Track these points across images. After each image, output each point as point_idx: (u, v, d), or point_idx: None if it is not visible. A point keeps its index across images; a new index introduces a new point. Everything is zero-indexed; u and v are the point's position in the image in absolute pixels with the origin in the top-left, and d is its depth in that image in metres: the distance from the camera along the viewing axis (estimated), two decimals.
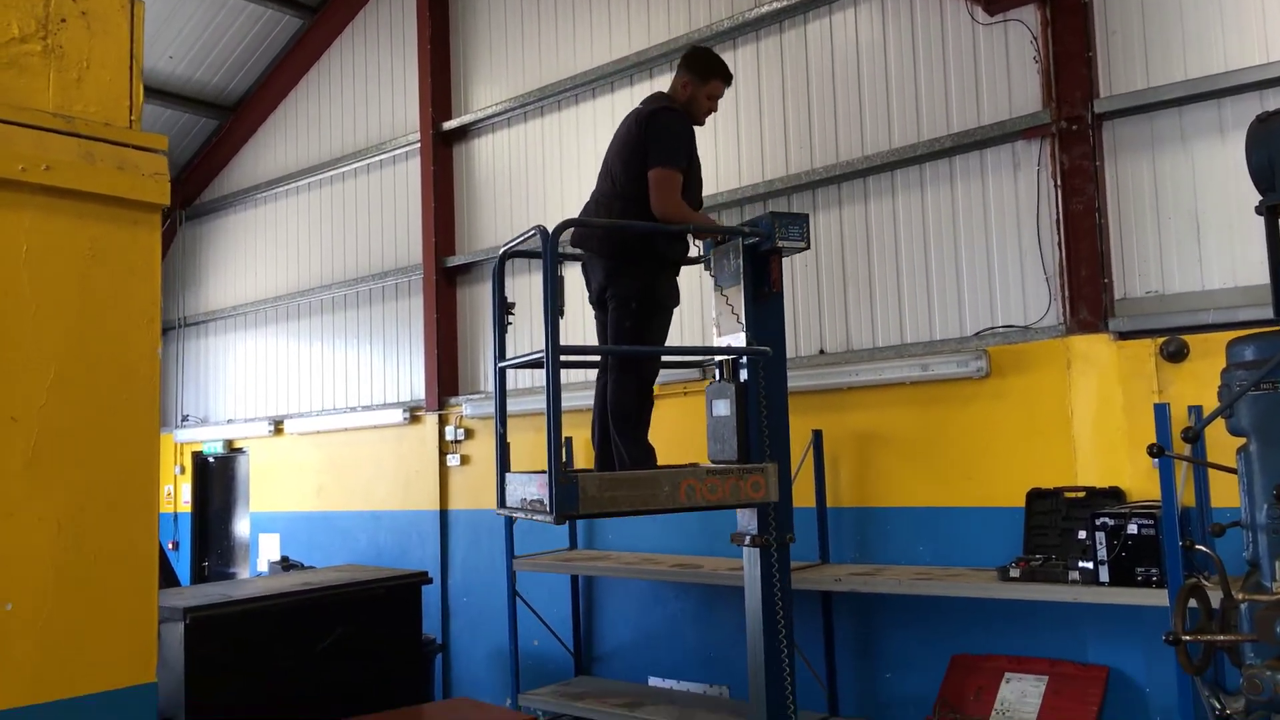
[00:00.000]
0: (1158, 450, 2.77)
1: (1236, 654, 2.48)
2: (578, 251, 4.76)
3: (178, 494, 10.77)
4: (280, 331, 10.05)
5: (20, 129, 1.69)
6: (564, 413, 3.96)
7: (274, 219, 10.21)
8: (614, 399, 4.47)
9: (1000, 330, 5.61)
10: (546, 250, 3.92)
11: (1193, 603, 2.65)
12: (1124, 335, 5.18)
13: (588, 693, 6.65)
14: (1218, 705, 3.85)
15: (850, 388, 6.03)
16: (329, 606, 5.30)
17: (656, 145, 4.40)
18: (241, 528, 10.35)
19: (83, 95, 1.80)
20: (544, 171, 7.91)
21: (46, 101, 1.76)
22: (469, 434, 8.13)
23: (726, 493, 4.05)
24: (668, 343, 4.81)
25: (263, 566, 9.53)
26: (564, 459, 4.02)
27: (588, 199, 4.85)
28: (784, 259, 4.55)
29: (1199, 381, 4.84)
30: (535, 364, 4.05)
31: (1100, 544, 4.59)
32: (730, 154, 6.74)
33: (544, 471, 3.84)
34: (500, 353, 4.44)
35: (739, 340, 4.36)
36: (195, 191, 11.02)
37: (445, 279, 8.45)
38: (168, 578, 7.36)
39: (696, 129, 4.71)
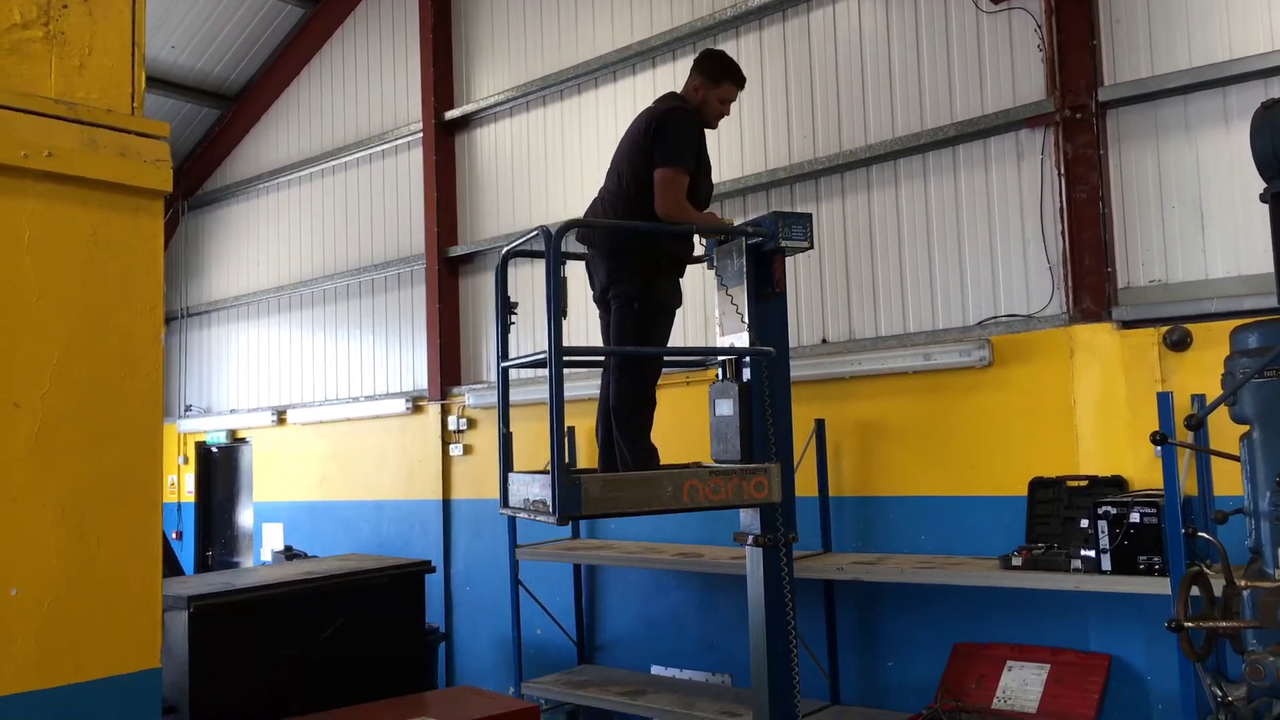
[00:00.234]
0: (1160, 438, 2.77)
1: (1238, 641, 2.48)
2: (581, 250, 4.75)
3: (181, 484, 10.80)
4: (283, 321, 10.06)
5: (22, 115, 1.69)
6: (566, 401, 3.96)
7: (276, 209, 10.21)
8: (616, 400, 4.48)
9: (1003, 319, 5.60)
10: (549, 251, 3.91)
11: (1195, 590, 2.65)
12: (1127, 324, 5.17)
13: (590, 681, 6.67)
14: (1219, 693, 3.86)
15: (853, 377, 6.02)
16: (332, 595, 5.31)
17: (663, 145, 4.39)
18: (245, 517, 10.38)
19: (85, 82, 1.79)
20: (546, 161, 7.90)
21: (49, 88, 1.75)
22: (471, 424, 8.14)
23: (729, 493, 4.06)
24: (670, 343, 4.80)
25: (266, 556, 9.56)
26: (566, 454, 4.02)
27: (595, 196, 4.84)
28: (787, 257, 4.55)
29: (1202, 371, 4.83)
30: (538, 364, 4.05)
31: (1103, 532, 4.59)
32: (733, 143, 6.73)
33: (547, 472, 3.85)
34: (503, 352, 4.44)
35: (742, 340, 4.36)
36: (198, 182, 11.02)
37: (448, 269, 8.45)
38: (171, 567, 7.39)
39: (709, 131, 4.69)
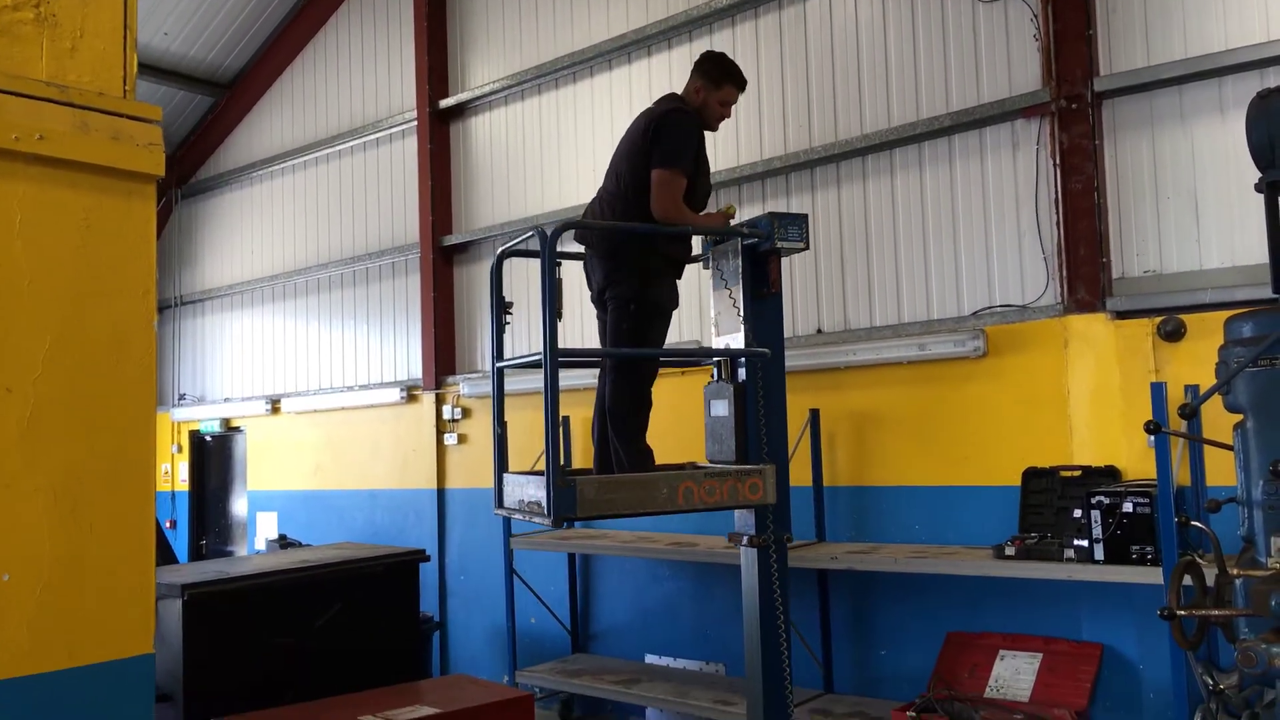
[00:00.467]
0: (1155, 427, 2.77)
1: (1230, 629, 2.49)
2: (577, 250, 4.75)
3: (175, 472, 10.78)
4: (277, 310, 10.04)
5: (13, 98, 1.68)
6: (561, 391, 3.96)
7: (270, 197, 10.17)
8: (612, 401, 4.48)
9: (998, 310, 5.60)
10: (544, 253, 3.90)
11: (1187, 579, 2.66)
12: (1121, 315, 5.18)
13: (585, 670, 6.68)
14: (1210, 681, 3.88)
15: (847, 367, 6.03)
16: (327, 584, 5.31)
17: (661, 146, 4.38)
18: (239, 506, 10.37)
19: (76, 64, 1.78)
20: (541, 150, 7.88)
21: (40, 70, 1.74)
22: (466, 413, 8.14)
23: (724, 495, 4.06)
24: (666, 344, 4.80)
25: (260, 545, 9.55)
26: (561, 446, 4.02)
27: (593, 195, 4.83)
28: (783, 258, 4.55)
29: (1196, 361, 4.84)
30: (533, 365, 4.04)
31: (1095, 522, 4.60)
32: (729, 133, 6.71)
33: (542, 473, 3.86)
34: (498, 353, 4.43)
35: (738, 340, 4.36)
36: (191, 169, 10.98)
37: (442, 258, 8.43)
38: (165, 555, 7.38)
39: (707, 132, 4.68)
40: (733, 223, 4.68)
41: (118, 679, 1.79)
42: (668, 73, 7.07)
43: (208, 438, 10.73)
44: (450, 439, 8.19)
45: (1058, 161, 5.39)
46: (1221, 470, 4.63)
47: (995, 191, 5.68)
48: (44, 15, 1.75)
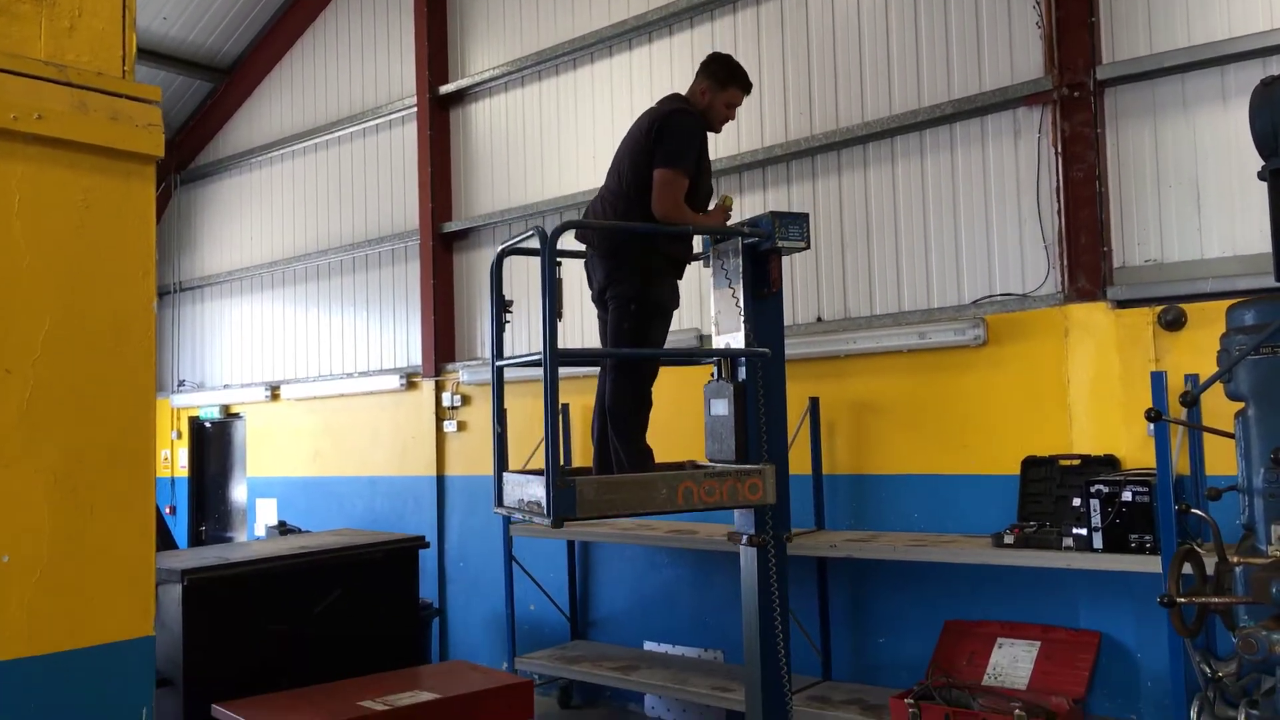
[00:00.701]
0: (1155, 415, 2.77)
1: (1230, 617, 2.50)
2: (579, 248, 4.74)
3: (174, 459, 10.79)
4: (277, 297, 10.02)
5: (12, 77, 1.67)
6: (561, 378, 3.96)
7: (269, 183, 10.15)
8: (612, 400, 4.48)
9: (998, 298, 5.59)
10: (545, 253, 3.90)
11: (1187, 568, 2.66)
12: (1122, 304, 5.17)
13: (584, 656, 6.70)
14: (1208, 670, 3.89)
15: (848, 355, 6.02)
16: (326, 570, 5.31)
17: (664, 146, 4.37)
18: (238, 493, 10.38)
19: (75, 44, 1.77)
20: (542, 137, 7.85)
21: (38, 50, 1.73)
22: (466, 400, 8.13)
23: (724, 495, 4.07)
24: (667, 344, 4.80)
25: (260, 531, 9.56)
26: (560, 441, 4.02)
27: (595, 195, 4.81)
28: (783, 257, 4.55)
29: (1196, 350, 4.84)
30: (533, 364, 4.04)
31: (1095, 511, 4.61)
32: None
33: (541, 472, 3.86)
34: (498, 351, 4.43)
35: (738, 339, 4.35)
36: (190, 155, 10.94)
37: (442, 245, 8.41)
38: (165, 541, 7.38)
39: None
40: (731, 213, 4.68)
41: (118, 661, 1.79)
42: (669, 59, 7.05)
43: (207, 424, 10.73)
44: (450, 426, 8.19)
45: (1059, 150, 5.38)
46: (1220, 460, 4.64)
47: (996, 180, 5.66)
48: None
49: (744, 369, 4.32)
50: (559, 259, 4.08)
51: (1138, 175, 5.23)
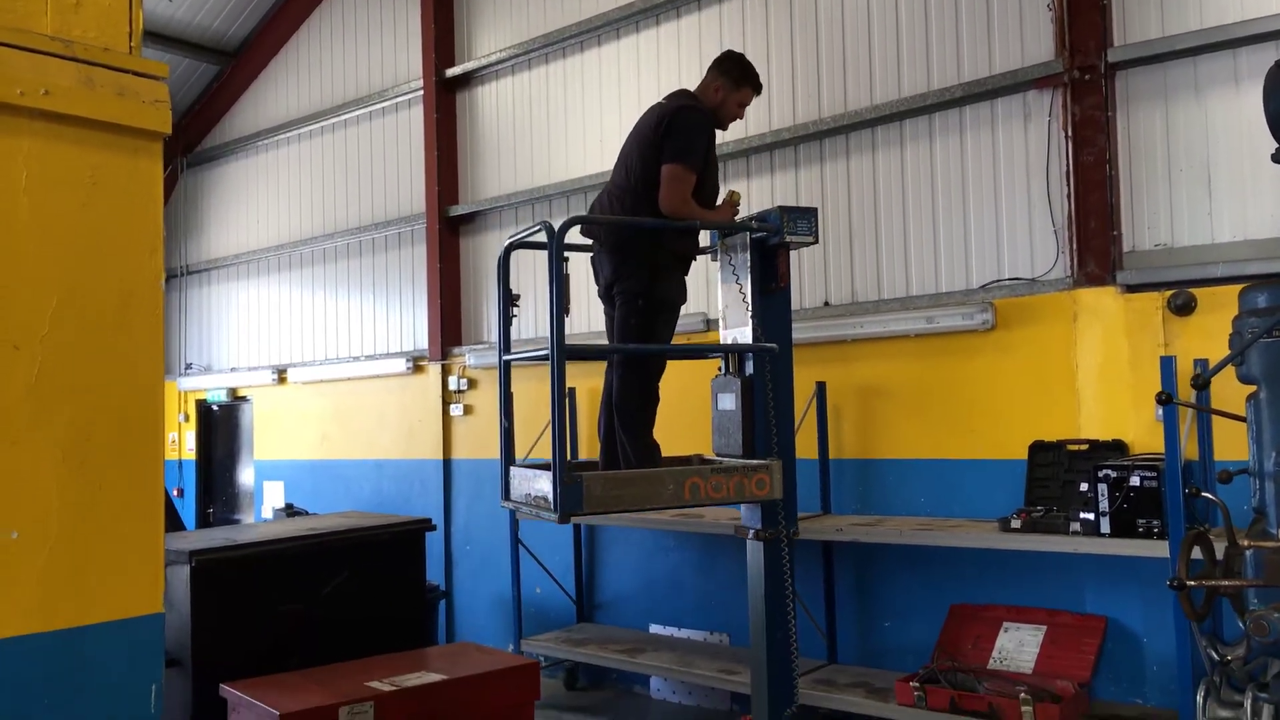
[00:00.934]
0: (1166, 398, 2.75)
1: (1240, 600, 2.49)
2: (586, 243, 4.72)
3: (182, 441, 10.82)
4: (283, 280, 10.02)
5: (18, 52, 1.66)
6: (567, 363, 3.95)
7: (276, 166, 10.13)
8: (619, 396, 4.48)
9: (1007, 283, 5.57)
10: (552, 247, 3.88)
11: (1196, 553, 2.65)
12: (1131, 288, 5.14)
13: (589, 639, 6.72)
14: (1215, 654, 3.88)
15: (855, 339, 6.01)
16: (334, 551, 5.33)
17: (674, 141, 4.36)
18: (246, 476, 10.41)
19: (81, 19, 1.76)
20: (549, 120, 7.82)
21: (44, 25, 1.72)
22: (472, 384, 8.13)
23: (731, 491, 4.07)
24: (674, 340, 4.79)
25: (267, 514, 9.60)
26: (567, 432, 4.01)
27: (603, 189, 4.80)
28: (791, 251, 4.53)
29: (1206, 335, 4.81)
30: (540, 359, 4.03)
31: (1103, 495, 4.59)
32: None
33: (549, 467, 3.86)
34: (505, 345, 4.42)
35: (745, 334, 4.34)
36: (196, 138, 10.93)
37: (448, 228, 8.40)
38: (173, 523, 7.41)
39: None
40: (738, 209, 4.67)
41: (127, 637, 1.79)
42: (676, 43, 7.01)
43: (214, 407, 10.75)
44: (456, 410, 8.20)
45: (1069, 133, 5.34)
46: (1228, 445, 4.62)
47: (1006, 163, 5.63)
48: None
49: (751, 364, 4.31)
50: (565, 254, 4.06)
51: (1148, 159, 5.20)
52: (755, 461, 4.19)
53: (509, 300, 4.48)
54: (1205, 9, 5.04)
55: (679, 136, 4.37)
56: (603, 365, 4.77)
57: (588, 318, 6.86)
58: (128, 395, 1.81)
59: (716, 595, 6.54)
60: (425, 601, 6.22)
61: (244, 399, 10.31)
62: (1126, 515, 4.55)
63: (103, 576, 1.78)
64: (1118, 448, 5.07)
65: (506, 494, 4.34)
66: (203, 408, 10.80)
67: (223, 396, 10.45)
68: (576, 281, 4.30)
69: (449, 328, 8.33)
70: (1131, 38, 5.22)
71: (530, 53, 7.85)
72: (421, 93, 8.53)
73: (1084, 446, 5.13)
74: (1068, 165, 5.35)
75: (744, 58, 4.78)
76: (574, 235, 4.69)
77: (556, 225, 3.99)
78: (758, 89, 4.78)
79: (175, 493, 10.62)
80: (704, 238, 4.74)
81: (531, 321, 7.62)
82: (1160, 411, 4.42)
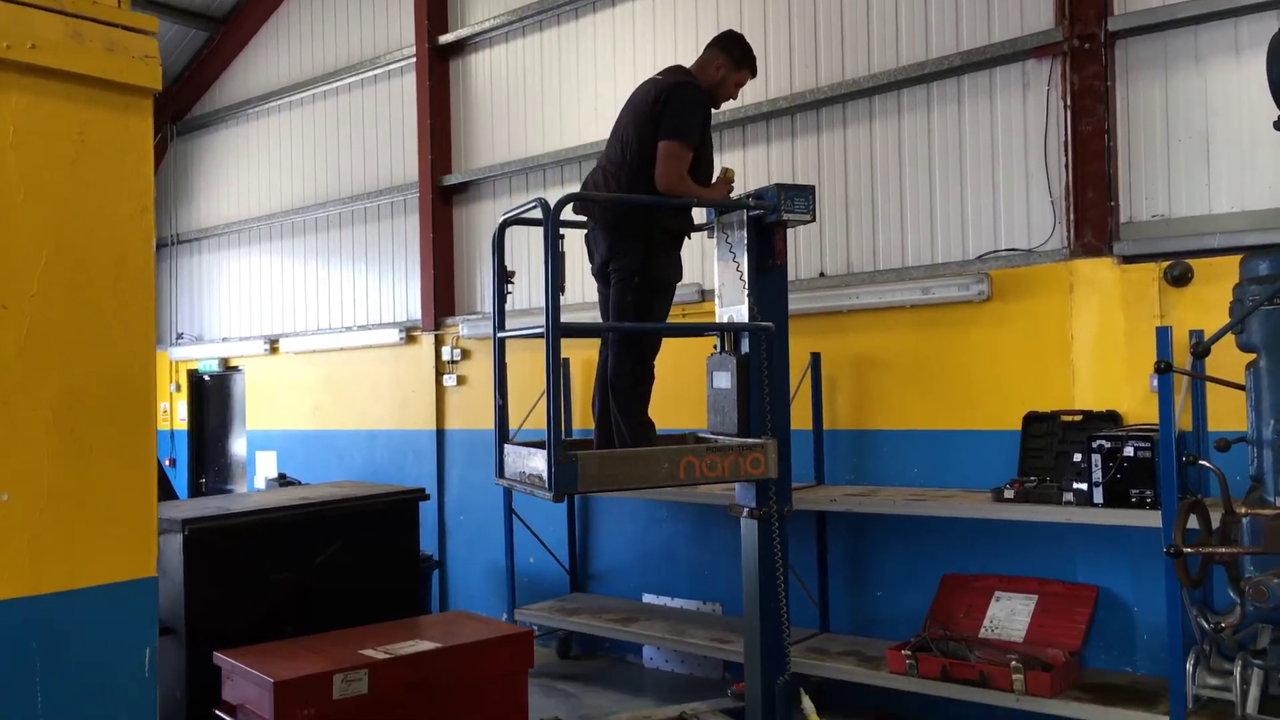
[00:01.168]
0: (1165, 366, 2.75)
1: (1235, 567, 2.50)
2: (580, 219, 4.68)
3: (174, 411, 10.78)
4: (275, 249, 9.95)
5: (4, 4, 1.61)
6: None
7: (267, 134, 10.03)
8: (614, 375, 4.46)
9: (1003, 253, 5.55)
10: (548, 224, 3.84)
11: (1192, 521, 2.66)
12: (1128, 259, 5.13)
13: (583, 608, 6.74)
14: (1206, 623, 3.90)
15: (850, 310, 5.99)
16: (327, 521, 5.32)
17: (672, 118, 4.33)
18: (238, 446, 10.39)
19: None
20: (543, 88, 7.75)
21: None
22: (466, 354, 8.11)
23: (726, 470, 4.08)
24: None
25: (259, 484, 9.59)
26: (561, 408, 4.00)
27: (596, 166, 4.75)
28: (788, 229, 4.50)
29: (1202, 306, 4.81)
30: (535, 336, 4.00)
31: (1096, 466, 4.60)
32: None
33: (543, 445, 3.85)
34: (500, 322, 4.39)
35: (741, 312, 4.32)
36: (186, 105, 10.81)
37: (441, 198, 8.34)
38: (166, 492, 7.39)
39: None
40: (733, 186, 4.63)
41: (120, 601, 1.78)
42: (672, 9, 6.93)
43: (206, 377, 10.71)
44: (449, 380, 8.17)
45: (1068, 103, 5.30)
46: (1221, 416, 4.63)
47: (1004, 133, 5.59)
48: None
49: (747, 342, 4.30)
50: (560, 233, 4.03)
51: (1147, 129, 5.17)
52: (750, 440, 4.18)
53: (504, 277, 4.45)
54: None
55: (676, 113, 4.34)
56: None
57: (581, 289, 6.82)
58: (120, 356, 1.78)
59: (710, 565, 6.56)
60: (419, 571, 6.22)
61: (236, 369, 10.27)
62: (1119, 485, 4.56)
63: (95, 540, 1.76)
64: (1111, 419, 5.07)
65: (501, 472, 4.33)
66: (194, 378, 10.76)
67: (214, 366, 10.41)
68: (571, 256, 4.26)
69: (442, 298, 8.29)
70: (1132, 6, 5.18)
71: (524, 19, 7.76)
72: (414, 60, 8.43)
73: (1078, 417, 5.14)
74: (1066, 135, 5.31)
75: (743, 38, 4.75)
76: (567, 212, 4.67)
77: (553, 202, 3.95)
78: (754, 72, 4.79)
79: (167, 463, 10.59)
80: (700, 215, 4.71)
81: (526, 292, 7.58)
82: (1155, 382, 4.42)
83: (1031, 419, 5.28)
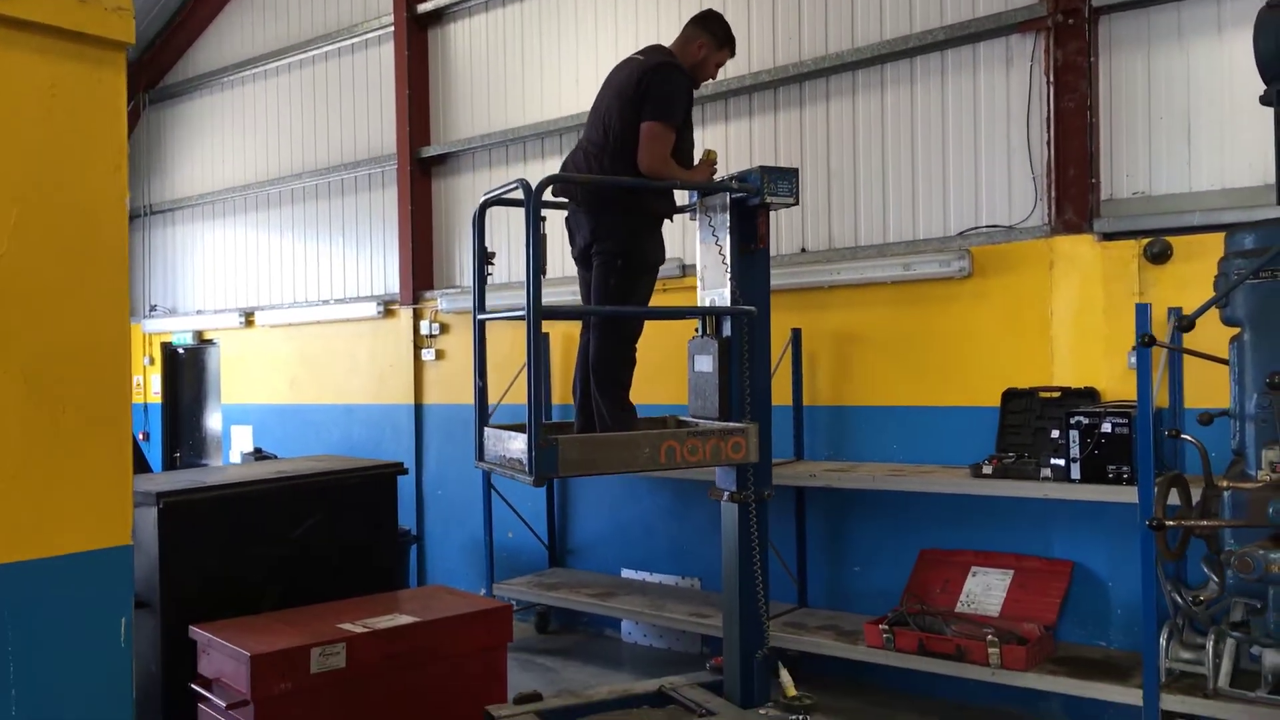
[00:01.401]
0: (1149, 340, 2.75)
1: (1215, 541, 2.51)
2: (561, 201, 4.62)
3: (147, 385, 10.65)
4: (250, 221, 9.82)
5: None
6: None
7: (241, 104, 9.87)
8: (596, 359, 4.43)
9: (984, 230, 5.55)
10: (529, 205, 3.79)
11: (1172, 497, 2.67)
12: (1108, 236, 5.15)
13: (562, 583, 6.74)
14: (1180, 599, 3.95)
15: (831, 286, 5.98)
16: (304, 494, 5.27)
17: (655, 99, 4.28)
18: (213, 420, 10.29)
19: None
20: (523, 58, 7.66)
21: None
22: (444, 329, 8.05)
23: (707, 454, 4.05)
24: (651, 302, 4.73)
25: (235, 458, 9.50)
26: (543, 391, 3.97)
27: (576, 147, 4.68)
28: (771, 212, 4.47)
29: (1180, 283, 4.83)
30: (517, 319, 3.95)
31: (1074, 442, 4.63)
32: None
33: (523, 429, 3.82)
34: (480, 304, 4.34)
35: (723, 295, 4.29)
36: (159, 74, 10.61)
37: (420, 170, 8.24)
38: (140, 466, 7.31)
39: None
40: (716, 168, 4.60)
41: (94, 570, 1.74)
42: None
43: (180, 350, 10.59)
44: (428, 355, 8.11)
45: (1051, 79, 5.29)
46: (1198, 393, 4.66)
47: (986, 109, 5.58)
48: None
49: (729, 325, 4.28)
50: (542, 215, 3.97)
51: (1129, 106, 5.17)
52: (732, 425, 4.17)
53: (484, 258, 4.39)
54: None
55: (659, 94, 4.29)
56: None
57: (561, 266, 6.77)
58: (93, 318, 1.73)
59: (688, 541, 6.57)
60: (397, 545, 6.19)
61: (210, 342, 10.15)
62: (1097, 461, 4.60)
63: (68, 507, 1.72)
64: (1089, 395, 5.10)
65: (481, 455, 4.30)
66: (168, 350, 10.63)
67: (188, 339, 10.28)
68: (551, 234, 4.20)
69: (420, 271, 8.21)
70: None
71: None
72: (392, 29, 8.31)
73: (1056, 394, 5.16)
74: (1049, 111, 5.31)
75: (724, 18, 4.72)
76: (548, 193, 4.61)
77: (535, 180, 3.90)
78: (734, 51, 4.76)
79: (141, 437, 10.47)
80: (682, 197, 4.67)
81: (506, 266, 7.50)
82: (1133, 358, 4.44)
83: (1010, 395, 5.31)
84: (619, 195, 4.36)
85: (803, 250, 6.24)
